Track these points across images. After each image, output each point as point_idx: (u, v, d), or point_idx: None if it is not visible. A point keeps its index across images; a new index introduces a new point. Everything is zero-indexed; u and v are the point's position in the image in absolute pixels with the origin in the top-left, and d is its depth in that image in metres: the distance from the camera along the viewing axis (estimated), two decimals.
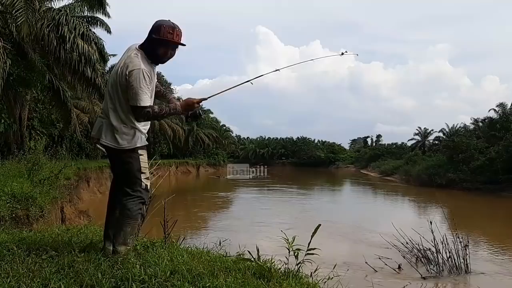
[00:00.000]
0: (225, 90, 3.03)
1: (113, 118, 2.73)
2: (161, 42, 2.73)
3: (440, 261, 8.09)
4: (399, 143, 66.20)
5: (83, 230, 4.02)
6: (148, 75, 2.66)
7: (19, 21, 10.59)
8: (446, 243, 8.04)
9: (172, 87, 43.34)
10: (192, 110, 2.90)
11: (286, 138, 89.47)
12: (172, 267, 2.59)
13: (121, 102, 2.72)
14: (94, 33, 14.83)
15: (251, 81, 3.08)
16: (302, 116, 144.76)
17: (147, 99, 2.66)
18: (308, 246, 3.01)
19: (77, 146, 22.05)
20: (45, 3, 13.75)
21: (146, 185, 2.86)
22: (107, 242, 2.82)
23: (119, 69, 2.70)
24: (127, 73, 2.64)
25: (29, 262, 2.61)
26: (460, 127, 46.97)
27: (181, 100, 3.02)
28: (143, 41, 2.81)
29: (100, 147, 2.89)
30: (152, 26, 2.75)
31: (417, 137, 59.77)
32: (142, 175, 2.81)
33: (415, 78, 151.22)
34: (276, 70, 3.24)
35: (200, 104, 2.89)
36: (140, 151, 2.82)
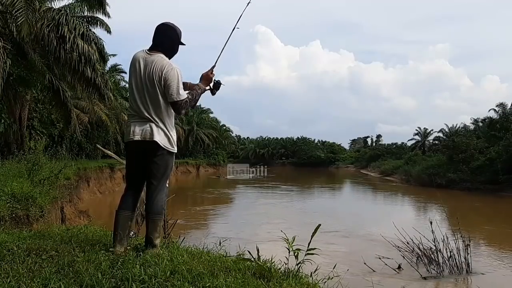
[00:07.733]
0: (222, 49, 3.31)
1: (163, 124, 2.91)
2: (180, 45, 3.07)
3: (441, 260, 8.07)
4: (399, 143, 66.34)
5: (83, 230, 4.02)
6: (181, 72, 2.94)
7: (19, 21, 10.59)
8: (447, 242, 8.02)
9: None
10: (211, 82, 3.18)
11: (286, 138, 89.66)
12: (172, 267, 2.59)
13: (164, 107, 2.90)
14: (94, 33, 14.80)
15: (237, 27, 3.36)
16: (302, 116, 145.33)
17: (184, 92, 2.95)
18: (308, 246, 3.01)
19: (77, 146, 22.03)
20: (45, 3, 13.76)
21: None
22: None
23: (154, 73, 2.84)
24: (164, 74, 2.84)
25: (29, 262, 2.61)
26: (460, 127, 47.03)
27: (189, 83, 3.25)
28: (153, 45, 2.97)
29: (105, 151, 2.98)
30: (176, 30, 3.01)
31: (417, 137, 59.94)
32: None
33: (416, 78, 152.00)
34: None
35: (214, 73, 3.19)
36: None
